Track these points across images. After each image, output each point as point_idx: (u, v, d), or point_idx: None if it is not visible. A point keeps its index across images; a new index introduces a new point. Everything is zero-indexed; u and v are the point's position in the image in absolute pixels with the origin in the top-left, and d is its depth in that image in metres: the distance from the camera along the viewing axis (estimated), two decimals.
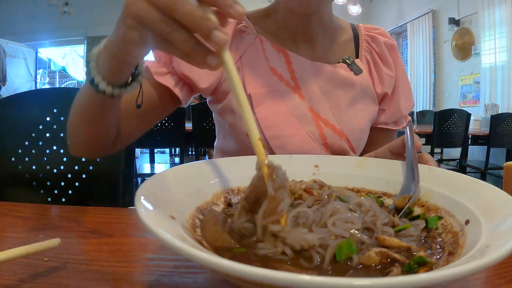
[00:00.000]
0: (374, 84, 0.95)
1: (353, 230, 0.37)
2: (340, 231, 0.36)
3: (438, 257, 0.38)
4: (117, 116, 0.74)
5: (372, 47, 0.97)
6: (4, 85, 4.90)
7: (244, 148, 0.89)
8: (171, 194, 0.42)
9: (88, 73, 0.58)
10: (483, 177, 4.00)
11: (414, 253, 0.37)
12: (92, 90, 0.58)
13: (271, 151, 0.85)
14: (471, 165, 4.09)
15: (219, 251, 0.37)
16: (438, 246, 0.40)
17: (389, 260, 0.35)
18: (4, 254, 0.38)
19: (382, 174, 0.56)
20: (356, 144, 0.91)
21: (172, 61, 0.83)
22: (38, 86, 8.32)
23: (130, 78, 0.60)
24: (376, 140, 1.00)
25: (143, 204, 0.34)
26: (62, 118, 1.18)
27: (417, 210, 0.49)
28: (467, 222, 0.41)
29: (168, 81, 0.83)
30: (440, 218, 0.45)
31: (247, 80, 0.86)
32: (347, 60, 0.93)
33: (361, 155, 0.93)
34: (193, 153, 4.27)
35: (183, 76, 0.83)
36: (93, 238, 0.55)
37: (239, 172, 0.54)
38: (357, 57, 0.96)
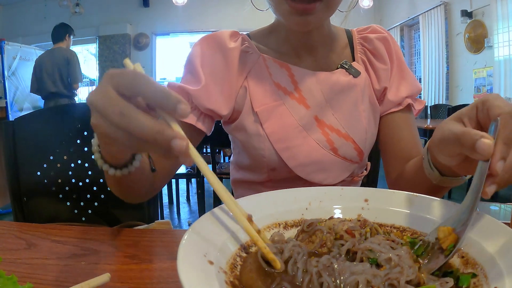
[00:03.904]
0: (372, 82, 0.97)
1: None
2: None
3: None
4: (147, 176, 0.75)
5: (365, 47, 0.99)
6: (79, 86, 4.82)
7: (257, 164, 0.93)
8: (219, 231, 0.45)
9: (96, 162, 0.61)
10: None
11: None
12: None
13: (283, 163, 0.89)
14: None
15: None
16: None
17: None
18: None
19: (431, 215, 0.54)
20: (363, 145, 0.93)
21: (190, 97, 0.87)
22: None
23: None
24: (389, 127, 0.98)
25: (184, 250, 0.37)
26: (85, 133, 1.21)
27: (456, 261, 0.45)
28: None
29: (190, 118, 0.88)
30: (474, 275, 0.41)
31: (254, 98, 0.90)
32: (345, 65, 0.95)
33: (391, 158, 0.95)
34: (208, 151, 4.32)
35: (206, 110, 0.88)
36: (134, 264, 0.58)
37: (290, 205, 0.57)
38: (353, 60, 0.98)
